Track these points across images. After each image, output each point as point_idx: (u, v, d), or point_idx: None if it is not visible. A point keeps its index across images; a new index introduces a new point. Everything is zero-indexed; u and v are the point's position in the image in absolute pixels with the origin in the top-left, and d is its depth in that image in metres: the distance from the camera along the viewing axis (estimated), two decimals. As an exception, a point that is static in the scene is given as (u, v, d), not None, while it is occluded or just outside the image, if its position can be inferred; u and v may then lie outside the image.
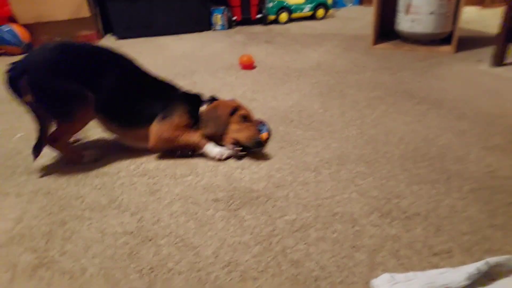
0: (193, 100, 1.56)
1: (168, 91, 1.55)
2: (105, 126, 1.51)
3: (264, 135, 1.62)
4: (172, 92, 1.56)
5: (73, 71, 1.34)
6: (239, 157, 1.47)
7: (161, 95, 1.51)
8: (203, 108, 1.54)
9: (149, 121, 1.47)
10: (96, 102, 1.39)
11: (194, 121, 1.51)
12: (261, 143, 1.45)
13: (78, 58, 1.37)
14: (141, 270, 1.01)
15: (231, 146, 1.48)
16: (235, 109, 1.49)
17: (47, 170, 1.49)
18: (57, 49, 1.35)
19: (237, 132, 1.48)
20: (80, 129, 1.47)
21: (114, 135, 1.58)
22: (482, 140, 1.61)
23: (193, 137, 1.48)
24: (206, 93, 1.67)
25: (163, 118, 1.46)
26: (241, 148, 1.48)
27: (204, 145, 1.49)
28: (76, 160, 1.50)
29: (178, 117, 1.46)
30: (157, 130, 1.46)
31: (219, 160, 1.48)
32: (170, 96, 1.53)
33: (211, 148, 1.48)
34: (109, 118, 1.47)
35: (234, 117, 1.47)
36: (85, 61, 1.38)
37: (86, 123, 1.45)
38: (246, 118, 1.43)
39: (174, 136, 1.46)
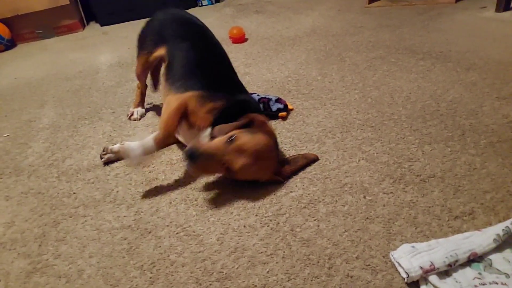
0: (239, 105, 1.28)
1: (227, 83, 1.39)
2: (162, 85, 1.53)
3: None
4: (230, 86, 1.38)
5: (160, 31, 1.56)
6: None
7: (215, 82, 1.33)
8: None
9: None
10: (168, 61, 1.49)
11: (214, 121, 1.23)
12: (189, 158, 1.07)
13: (171, 25, 1.57)
14: (142, 266, 0.94)
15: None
16: (249, 124, 1.18)
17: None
18: (166, 13, 1.61)
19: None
20: (140, 67, 1.64)
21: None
22: (495, 90, 1.50)
23: (171, 125, 1.22)
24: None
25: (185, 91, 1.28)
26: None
27: (156, 135, 1.22)
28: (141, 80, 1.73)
29: (192, 99, 1.25)
30: (171, 97, 1.31)
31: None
32: (224, 86, 1.33)
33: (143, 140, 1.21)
34: (166, 78, 1.45)
35: (235, 130, 1.15)
36: (174, 28, 1.56)
37: (143, 69, 1.65)
38: (232, 140, 1.08)
39: (172, 110, 1.23)
